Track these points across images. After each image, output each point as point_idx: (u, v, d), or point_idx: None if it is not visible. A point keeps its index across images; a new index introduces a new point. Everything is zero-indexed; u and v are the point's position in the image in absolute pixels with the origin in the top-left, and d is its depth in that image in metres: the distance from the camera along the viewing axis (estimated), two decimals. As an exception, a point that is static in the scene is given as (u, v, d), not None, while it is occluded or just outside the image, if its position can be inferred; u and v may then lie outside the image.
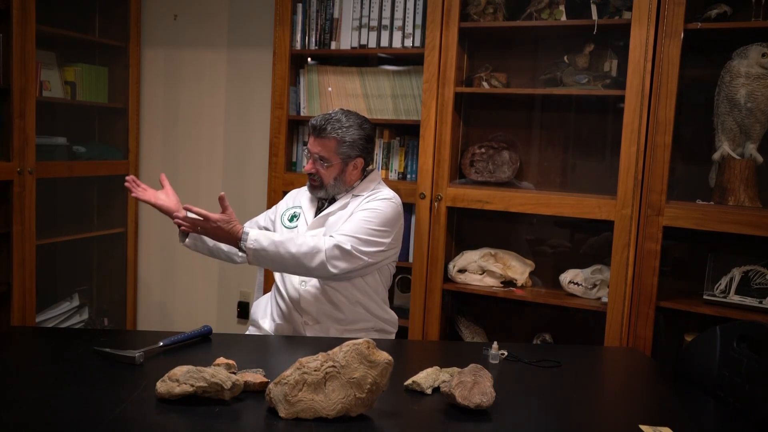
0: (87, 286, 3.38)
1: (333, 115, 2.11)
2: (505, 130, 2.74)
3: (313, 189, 2.16)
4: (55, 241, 3.07)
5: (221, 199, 1.92)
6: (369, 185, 2.17)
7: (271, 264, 1.99)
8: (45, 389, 1.41)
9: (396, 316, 2.25)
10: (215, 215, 1.91)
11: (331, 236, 1.99)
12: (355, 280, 2.07)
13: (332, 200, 2.16)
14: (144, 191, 2.06)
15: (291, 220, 2.21)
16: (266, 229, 2.26)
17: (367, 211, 2.05)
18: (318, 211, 2.18)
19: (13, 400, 1.35)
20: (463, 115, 2.70)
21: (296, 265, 1.95)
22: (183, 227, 1.97)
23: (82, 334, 2.14)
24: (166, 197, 2.07)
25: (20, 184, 2.71)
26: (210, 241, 2.11)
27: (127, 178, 2.07)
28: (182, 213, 2.00)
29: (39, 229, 2.82)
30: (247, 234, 1.93)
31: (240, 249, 1.94)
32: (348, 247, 1.96)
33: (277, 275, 2.18)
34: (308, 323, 2.07)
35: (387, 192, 2.15)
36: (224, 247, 2.14)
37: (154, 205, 2.05)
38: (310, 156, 2.12)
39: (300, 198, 2.26)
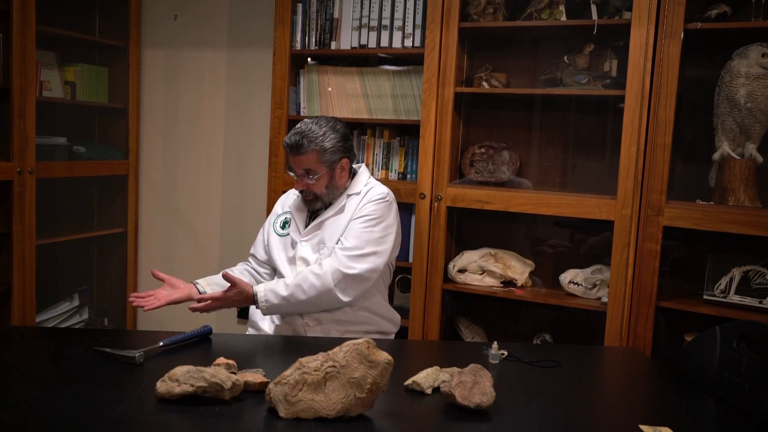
0: (87, 286, 3.38)
1: (304, 128, 2.08)
2: (505, 130, 2.74)
3: (309, 203, 2.15)
4: (55, 241, 3.07)
5: (225, 277, 1.95)
6: (360, 181, 2.17)
7: (288, 313, 2.05)
8: (45, 389, 1.41)
9: (398, 315, 2.25)
10: (223, 293, 1.95)
11: (335, 254, 2.01)
12: None
13: (327, 204, 2.16)
14: (155, 300, 1.99)
15: (283, 227, 2.21)
16: (267, 246, 2.25)
17: (364, 219, 2.06)
18: (311, 215, 2.18)
19: (13, 400, 1.35)
20: (463, 115, 2.70)
21: (311, 308, 2.02)
22: (202, 312, 1.98)
23: (82, 334, 2.14)
24: (173, 289, 2.05)
25: (20, 184, 2.71)
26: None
27: (130, 299, 2.00)
28: (194, 291, 2.05)
29: (39, 229, 2.82)
30: (258, 291, 1.98)
31: (258, 307, 2.01)
32: (356, 272, 1.99)
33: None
34: (309, 324, 2.07)
35: (379, 189, 2.15)
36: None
37: (171, 303, 2.02)
38: (296, 174, 2.11)
39: (289, 203, 2.26)
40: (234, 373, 1.43)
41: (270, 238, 2.22)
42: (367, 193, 2.13)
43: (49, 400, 1.35)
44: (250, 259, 2.32)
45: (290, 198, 2.28)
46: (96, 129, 3.35)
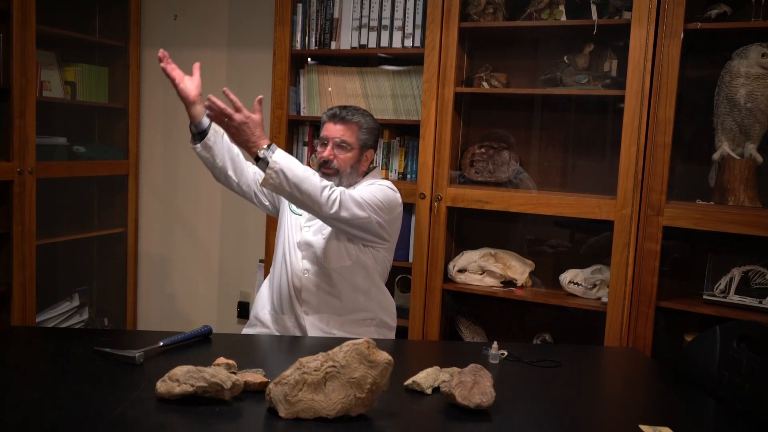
0: (87, 286, 3.38)
1: (348, 105, 2.17)
2: (505, 130, 2.74)
3: (329, 178, 2.10)
4: (55, 241, 3.07)
5: (258, 102, 1.90)
6: (371, 181, 2.17)
7: (288, 183, 1.85)
8: (45, 389, 1.41)
9: (393, 302, 2.25)
10: (247, 112, 1.85)
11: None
12: (354, 266, 2.08)
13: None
14: (173, 69, 2.01)
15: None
16: (279, 225, 2.24)
17: (367, 185, 2.10)
18: None
19: (13, 400, 1.35)
20: (463, 115, 2.70)
21: (312, 192, 1.88)
22: (209, 114, 1.89)
23: (82, 334, 2.14)
24: (191, 84, 2.03)
25: (20, 184, 2.71)
26: (219, 155, 2.09)
27: (161, 52, 2.00)
28: (201, 104, 1.97)
29: (39, 229, 2.82)
30: (275, 146, 1.87)
31: (257, 158, 1.85)
32: (357, 197, 1.98)
33: (277, 265, 2.17)
34: (308, 312, 2.08)
35: (386, 181, 2.17)
36: (230, 166, 2.13)
37: (176, 87, 2.00)
38: (328, 142, 2.12)
39: None
40: (234, 373, 1.43)
41: (284, 216, 2.21)
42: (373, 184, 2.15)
43: (49, 400, 1.35)
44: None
45: None
46: (96, 129, 3.35)
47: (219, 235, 3.37)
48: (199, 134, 2.07)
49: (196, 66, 2.07)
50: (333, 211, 1.92)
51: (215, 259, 3.39)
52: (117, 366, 1.55)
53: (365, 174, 2.21)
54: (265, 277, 2.41)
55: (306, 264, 2.11)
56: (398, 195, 2.15)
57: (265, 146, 1.86)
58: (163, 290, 3.49)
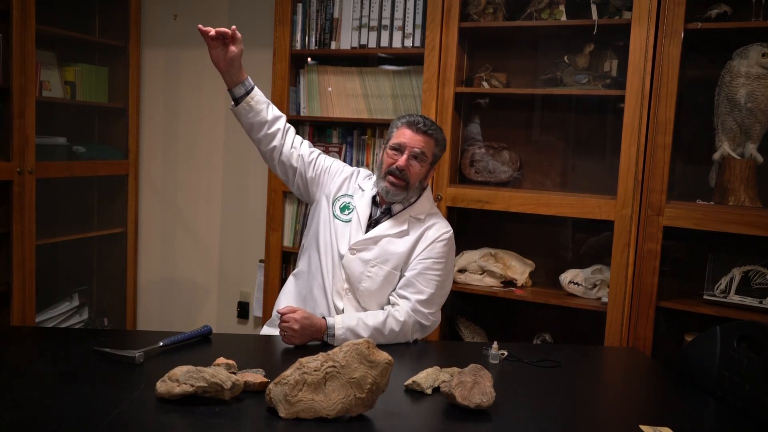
0: (87, 286, 3.38)
1: (426, 116, 2.04)
2: (505, 130, 2.74)
3: (396, 189, 1.97)
4: (55, 241, 3.07)
5: (233, 31, 1.91)
6: (426, 204, 2.06)
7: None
8: (45, 389, 1.41)
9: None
10: (302, 314, 1.83)
11: (408, 301, 1.94)
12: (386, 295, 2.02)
13: (387, 211, 2.04)
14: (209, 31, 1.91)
15: (342, 210, 2.05)
16: (324, 226, 2.06)
17: (433, 261, 1.97)
18: (369, 219, 2.04)
19: (13, 400, 1.35)
20: (463, 115, 2.70)
21: (383, 342, 1.90)
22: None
23: (82, 334, 2.14)
24: (221, 52, 1.95)
25: (20, 184, 2.71)
26: (249, 125, 2.06)
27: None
28: (232, 74, 2.03)
29: (39, 229, 2.82)
30: (333, 327, 1.85)
31: (324, 341, 1.87)
32: (429, 323, 1.97)
33: (313, 271, 2.05)
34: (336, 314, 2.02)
35: (443, 225, 2.03)
36: (256, 126, 2.06)
37: (214, 48, 1.95)
38: (405, 150, 1.96)
39: (353, 188, 2.10)
40: (234, 373, 1.43)
41: (321, 214, 2.07)
42: (432, 228, 2.01)
43: (49, 400, 1.35)
44: (303, 142, 2.12)
45: (353, 183, 2.11)
46: (96, 129, 3.35)
47: (219, 235, 3.37)
48: (236, 100, 2.05)
49: (233, 29, 1.96)
50: (402, 342, 1.95)
51: (215, 259, 3.39)
52: (117, 366, 1.55)
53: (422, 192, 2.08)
54: (266, 282, 2.39)
55: (348, 284, 2.00)
56: (453, 240, 2.04)
57: (324, 331, 1.85)
58: (163, 290, 3.49)
